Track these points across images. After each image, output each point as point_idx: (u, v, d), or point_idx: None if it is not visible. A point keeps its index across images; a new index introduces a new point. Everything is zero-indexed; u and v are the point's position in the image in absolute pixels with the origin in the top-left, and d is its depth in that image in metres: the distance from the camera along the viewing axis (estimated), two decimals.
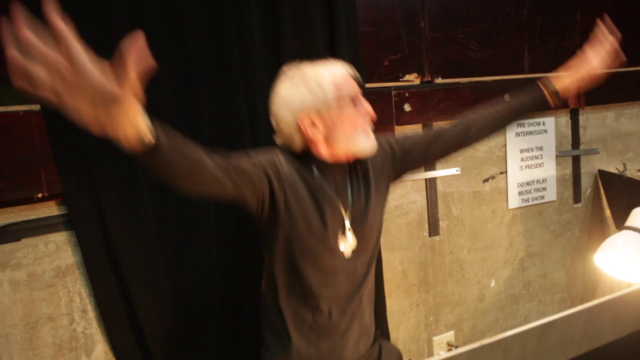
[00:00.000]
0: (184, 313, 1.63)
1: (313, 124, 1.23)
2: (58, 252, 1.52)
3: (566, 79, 1.44)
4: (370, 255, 1.37)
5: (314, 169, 1.28)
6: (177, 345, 1.63)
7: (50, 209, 1.50)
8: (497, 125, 1.46)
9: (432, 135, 1.44)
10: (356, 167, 1.35)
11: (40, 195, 1.45)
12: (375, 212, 1.35)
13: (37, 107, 1.43)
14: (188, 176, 1.02)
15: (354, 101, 1.24)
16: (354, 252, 1.31)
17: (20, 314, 1.48)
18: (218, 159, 1.10)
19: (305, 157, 1.28)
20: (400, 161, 1.41)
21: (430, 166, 2.17)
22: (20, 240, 1.47)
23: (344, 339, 1.34)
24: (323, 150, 1.27)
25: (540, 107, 1.45)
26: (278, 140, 1.31)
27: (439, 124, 2.17)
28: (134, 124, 0.84)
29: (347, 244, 1.30)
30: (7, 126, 1.40)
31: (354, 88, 1.25)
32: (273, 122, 1.29)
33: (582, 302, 2.54)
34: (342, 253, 1.29)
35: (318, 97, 1.21)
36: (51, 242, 1.51)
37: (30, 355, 1.49)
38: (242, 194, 1.16)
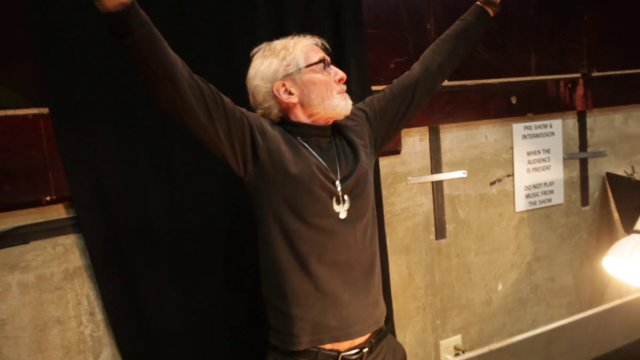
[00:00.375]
0: (190, 315, 1.63)
1: (287, 90, 1.30)
2: (66, 254, 1.53)
3: None
4: (367, 220, 1.36)
5: (297, 133, 1.32)
6: (184, 347, 1.63)
7: (58, 212, 1.51)
8: (453, 54, 1.50)
9: (397, 88, 1.48)
10: (336, 132, 1.40)
11: (48, 198, 1.46)
12: (364, 174, 1.36)
13: (45, 111, 1.44)
14: (160, 72, 1.04)
15: (324, 66, 1.31)
16: (348, 212, 1.30)
17: (29, 316, 1.48)
18: (196, 76, 1.13)
19: (286, 124, 1.33)
20: (377, 121, 1.46)
21: (437, 169, 2.16)
22: (28, 243, 1.48)
23: (349, 313, 1.30)
24: (301, 116, 1.32)
25: (482, 19, 1.51)
26: (258, 112, 1.36)
27: (445, 126, 2.17)
28: None
29: (340, 203, 1.30)
30: (16, 129, 1.41)
31: (322, 54, 1.33)
32: (250, 98, 1.36)
33: (590, 306, 2.53)
34: (336, 212, 1.29)
35: (289, 64, 1.30)
36: (59, 245, 1.52)
37: (38, 357, 1.50)
38: (216, 130, 1.17)
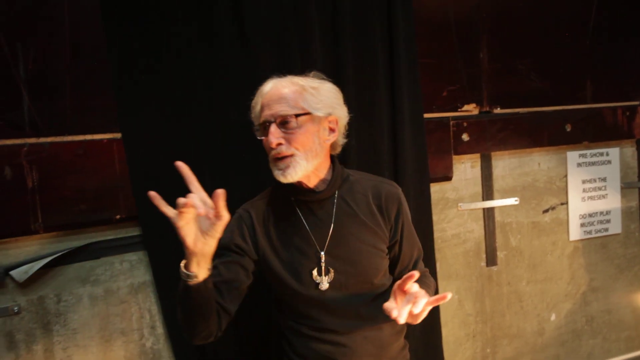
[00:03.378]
0: (244, 335, 1.69)
1: None
2: (132, 270, 1.63)
3: None
4: (364, 285, 1.30)
5: (291, 196, 1.31)
6: None
7: (126, 230, 1.62)
8: None
9: (400, 265, 1.38)
10: (346, 191, 1.32)
11: (118, 216, 1.57)
12: (362, 242, 1.29)
13: (118, 136, 1.56)
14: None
15: (261, 130, 1.25)
16: (331, 284, 1.27)
17: (97, 327, 1.59)
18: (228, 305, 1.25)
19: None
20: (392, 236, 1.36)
21: (489, 195, 2.16)
22: (99, 258, 1.59)
23: None
24: None
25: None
26: None
27: (497, 154, 2.16)
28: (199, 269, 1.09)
29: (321, 275, 1.27)
30: (92, 153, 1.54)
31: (265, 115, 1.23)
32: None
33: None
34: (316, 284, 1.27)
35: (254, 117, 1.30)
36: (126, 261, 1.62)
37: None
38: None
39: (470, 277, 2.16)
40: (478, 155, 2.14)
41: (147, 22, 1.55)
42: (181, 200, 0.96)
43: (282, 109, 1.21)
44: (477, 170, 2.15)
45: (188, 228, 1.01)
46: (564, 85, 2.26)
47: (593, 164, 2.35)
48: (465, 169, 2.13)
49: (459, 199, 2.12)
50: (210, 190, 1.62)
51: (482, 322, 2.19)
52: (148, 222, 1.59)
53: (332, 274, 1.27)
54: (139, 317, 1.64)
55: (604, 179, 2.38)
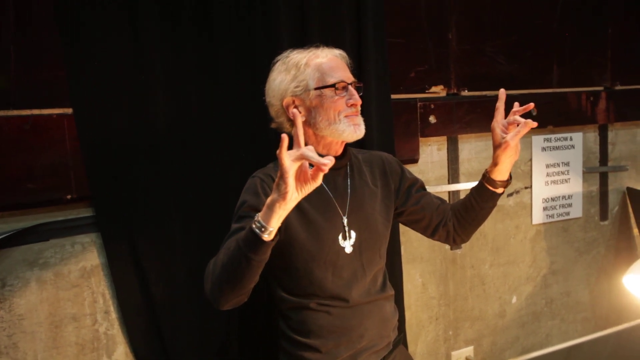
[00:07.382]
0: (203, 317, 1.64)
1: (296, 107, 1.28)
2: (84, 253, 1.55)
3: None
4: (374, 253, 1.35)
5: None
6: (196, 348, 1.64)
7: (78, 211, 1.53)
8: (468, 228, 1.44)
9: (426, 204, 1.45)
10: (355, 163, 1.40)
11: (69, 196, 1.48)
12: (374, 210, 1.36)
13: (69, 111, 1.47)
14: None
15: (340, 88, 1.26)
16: (353, 247, 1.31)
17: (45, 312, 1.51)
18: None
19: None
20: (403, 194, 1.44)
21: (454, 179, 2.15)
22: (48, 240, 1.50)
23: (360, 334, 1.32)
24: (311, 138, 1.31)
25: (480, 192, 1.37)
26: (273, 125, 1.37)
27: (463, 137, 2.15)
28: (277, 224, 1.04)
29: (346, 239, 1.31)
30: (41, 129, 1.44)
31: (341, 75, 1.27)
32: (269, 110, 1.35)
33: (607, 323, 2.50)
34: (342, 248, 1.30)
35: (298, 85, 1.27)
36: (78, 243, 1.54)
37: (53, 353, 1.52)
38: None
39: (435, 261, 2.16)
40: (445, 138, 2.12)
41: None
42: (325, 160, 0.95)
43: (350, 75, 1.31)
44: (443, 153, 2.13)
45: (293, 180, 0.99)
46: (531, 69, 2.26)
47: (557, 148, 2.37)
48: (432, 151, 2.11)
49: (424, 182, 2.09)
50: (172, 173, 1.57)
51: (445, 305, 2.20)
52: (101, 203, 1.52)
53: (353, 238, 1.32)
54: (92, 302, 1.57)
55: (567, 164, 2.40)
